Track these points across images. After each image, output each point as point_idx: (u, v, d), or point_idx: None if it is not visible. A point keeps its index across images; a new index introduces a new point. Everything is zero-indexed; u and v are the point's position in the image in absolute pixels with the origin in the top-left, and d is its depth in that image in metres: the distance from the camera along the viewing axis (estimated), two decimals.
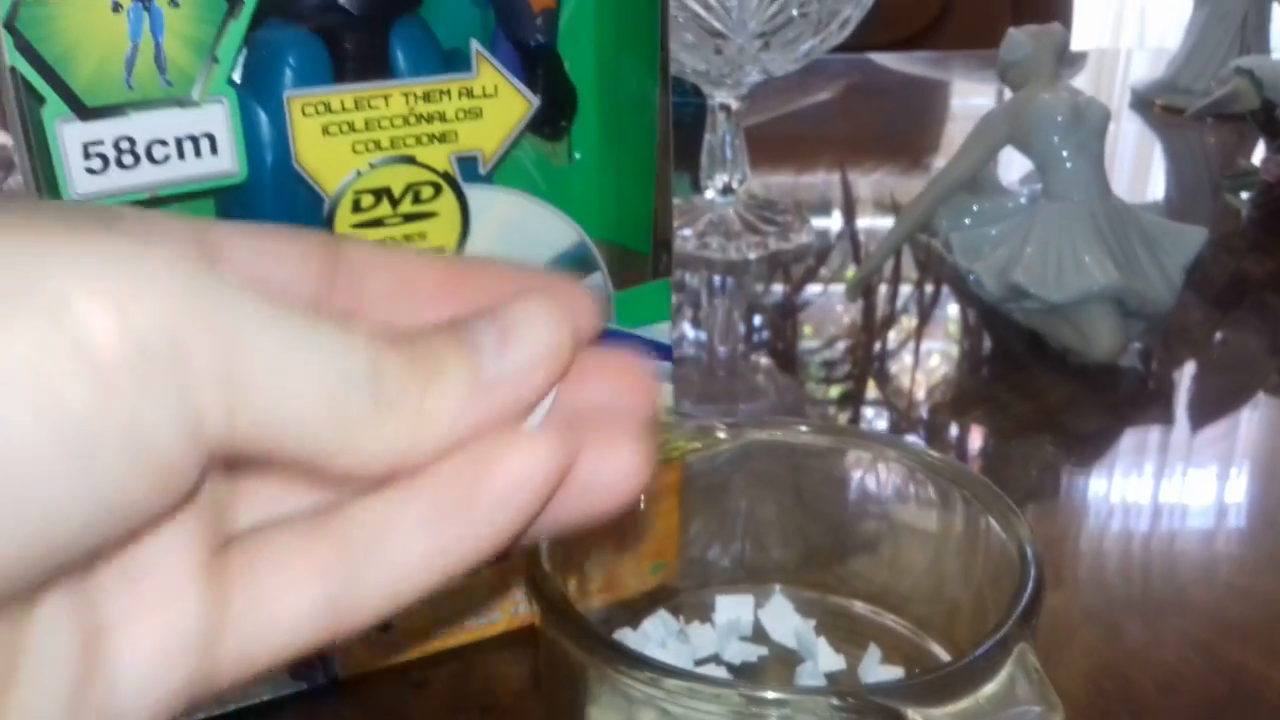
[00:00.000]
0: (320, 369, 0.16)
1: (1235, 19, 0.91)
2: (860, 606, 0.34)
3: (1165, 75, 0.95)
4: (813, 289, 0.64)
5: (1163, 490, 0.45)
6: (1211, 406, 0.51)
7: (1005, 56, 0.52)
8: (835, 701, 0.22)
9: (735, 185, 0.66)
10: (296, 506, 0.19)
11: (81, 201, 0.20)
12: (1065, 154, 0.49)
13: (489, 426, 0.18)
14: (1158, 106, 0.94)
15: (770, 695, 0.23)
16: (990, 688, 0.23)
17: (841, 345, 0.58)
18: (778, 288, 0.65)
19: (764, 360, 0.57)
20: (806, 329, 0.60)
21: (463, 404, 0.17)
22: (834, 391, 0.54)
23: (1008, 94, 0.53)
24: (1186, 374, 0.54)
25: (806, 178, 0.85)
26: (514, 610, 0.35)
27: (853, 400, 0.53)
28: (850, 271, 0.64)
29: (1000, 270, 0.50)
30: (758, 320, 0.62)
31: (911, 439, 0.49)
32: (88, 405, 0.13)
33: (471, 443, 0.18)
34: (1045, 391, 0.51)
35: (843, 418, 0.52)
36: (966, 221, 0.53)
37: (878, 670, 0.31)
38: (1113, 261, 0.48)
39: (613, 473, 0.19)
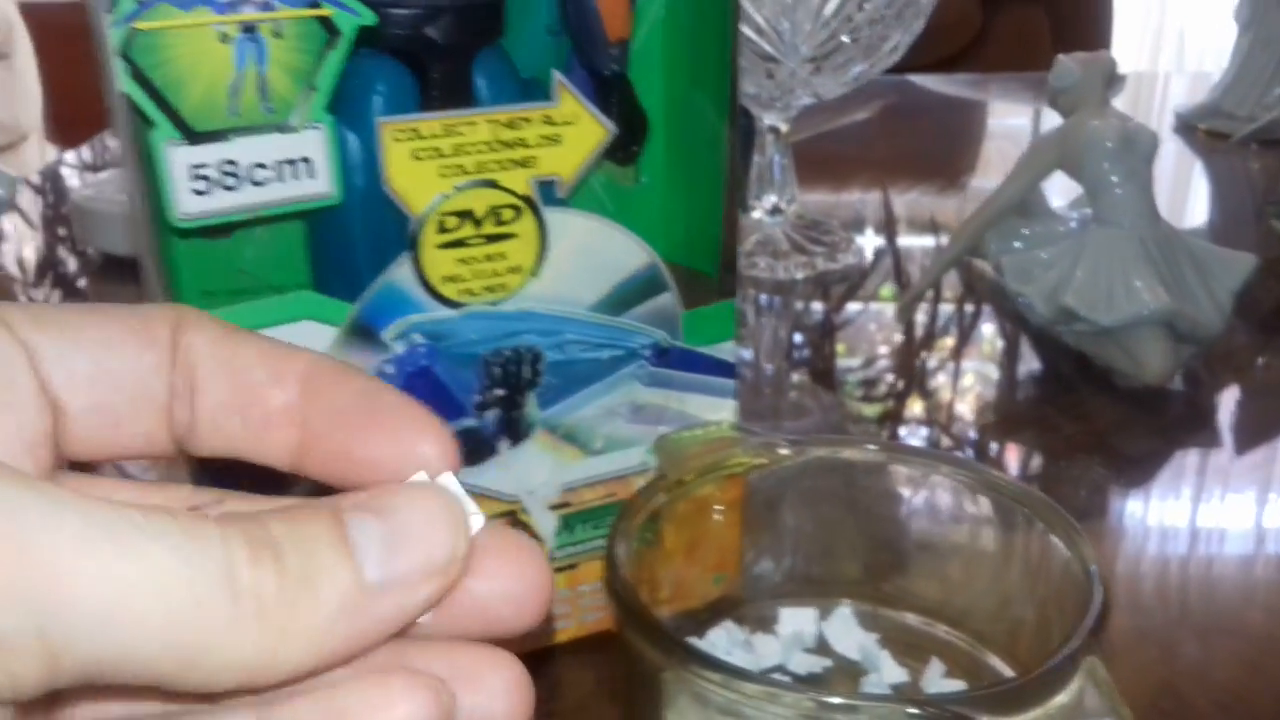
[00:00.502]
0: (162, 586, 0.14)
1: None
2: (921, 621, 0.34)
3: (1209, 100, 0.95)
4: (858, 308, 0.65)
5: (1212, 512, 0.46)
6: (1259, 430, 0.52)
7: (1055, 83, 0.53)
8: (912, 710, 0.23)
9: (783, 206, 0.67)
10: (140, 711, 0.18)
11: None
12: (1115, 180, 0.50)
13: (364, 643, 0.16)
14: (1201, 131, 0.94)
15: (848, 702, 0.24)
16: (1061, 699, 0.23)
17: (888, 364, 0.58)
18: (823, 307, 0.66)
19: (809, 379, 0.58)
20: (850, 348, 0.61)
21: (338, 615, 0.16)
22: (880, 410, 0.55)
23: (1045, 115, 0.54)
24: (1233, 398, 0.54)
25: (844, 196, 0.86)
26: (582, 618, 0.36)
27: (899, 419, 0.54)
28: (885, 289, 0.65)
29: (1051, 293, 0.51)
30: (803, 339, 0.63)
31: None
32: None
33: (335, 689, 0.16)
34: (1094, 413, 0.52)
35: (889, 437, 0.52)
36: (1017, 245, 0.54)
37: (940, 683, 0.32)
38: (1163, 286, 0.48)
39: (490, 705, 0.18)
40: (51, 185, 0.87)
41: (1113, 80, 0.52)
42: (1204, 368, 0.55)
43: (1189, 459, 0.50)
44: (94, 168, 0.94)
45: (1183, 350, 0.51)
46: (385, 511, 0.17)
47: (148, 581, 0.14)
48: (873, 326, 0.63)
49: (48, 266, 0.72)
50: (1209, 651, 0.37)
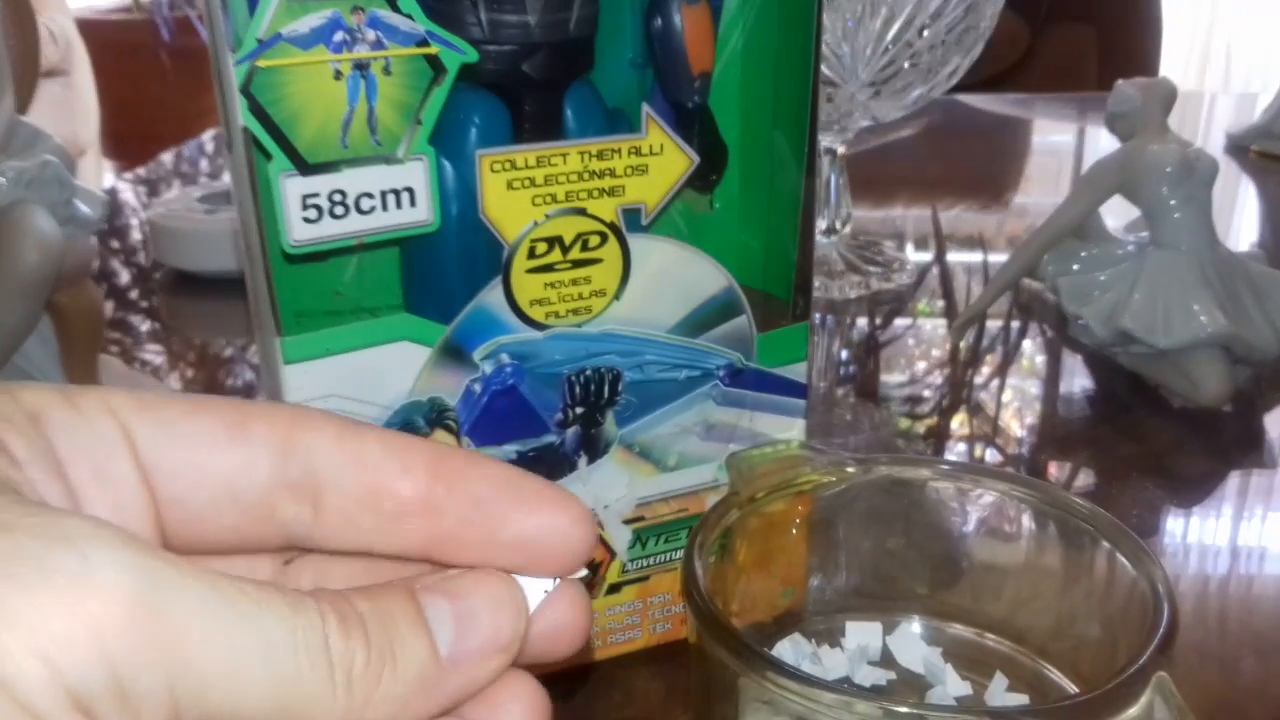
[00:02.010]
0: (271, 654, 0.16)
1: None
2: (984, 636, 0.35)
3: (1260, 121, 0.96)
4: (909, 327, 0.66)
5: (1269, 531, 0.46)
6: None
7: (1114, 108, 0.54)
8: None
9: (839, 226, 0.68)
10: None
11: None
12: (1174, 204, 0.51)
13: (432, 713, 0.18)
14: (1253, 152, 0.94)
15: (925, 713, 0.25)
16: (1132, 712, 0.24)
17: (942, 384, 0.59)
18: (876, 325, 0.67)
19: (861, 397, 0.59)
20: (903, 367, 0.62)
21: (415, 687, 0.17)
22: (934, 429, 0.56)
23: (1089, 134, 0.54)
24: None
25: (890, 211, 0.87)
26: (652, 629, 0.37)
27: (954, 438, 0.55)
28: (922, 305, 0.66)
29: (1108, 315, 0.51)
30: (856, 357, 0.64)
31: None
32: None
33: None
34: (1149, 434, 0.52)
35: (944, 455, 0.53)
36: (1074, 267, 0.55)
37: (1004, 697, 0.33)
38: (1221, 310, 0.49)
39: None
40: (112, 202, 0.90)
41: (1171, 105, 0.53)
42: (1258, 389, 0.56)
43: (1244, 479, 0.50)
44: (152, 185, 0.97)
45: (1239, 373, 0.52)
46: (455, 595, 0.18)
47: (261, 649, 0.16)
48: (926, 345, 0.63)
49: (127, 282, 0.75)
50: (1269, 669, 0.38)
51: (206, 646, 0.15)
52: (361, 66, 0.27)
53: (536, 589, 0.19)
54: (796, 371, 0.36)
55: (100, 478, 0.18)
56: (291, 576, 0.21)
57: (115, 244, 0.80)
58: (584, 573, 0.20)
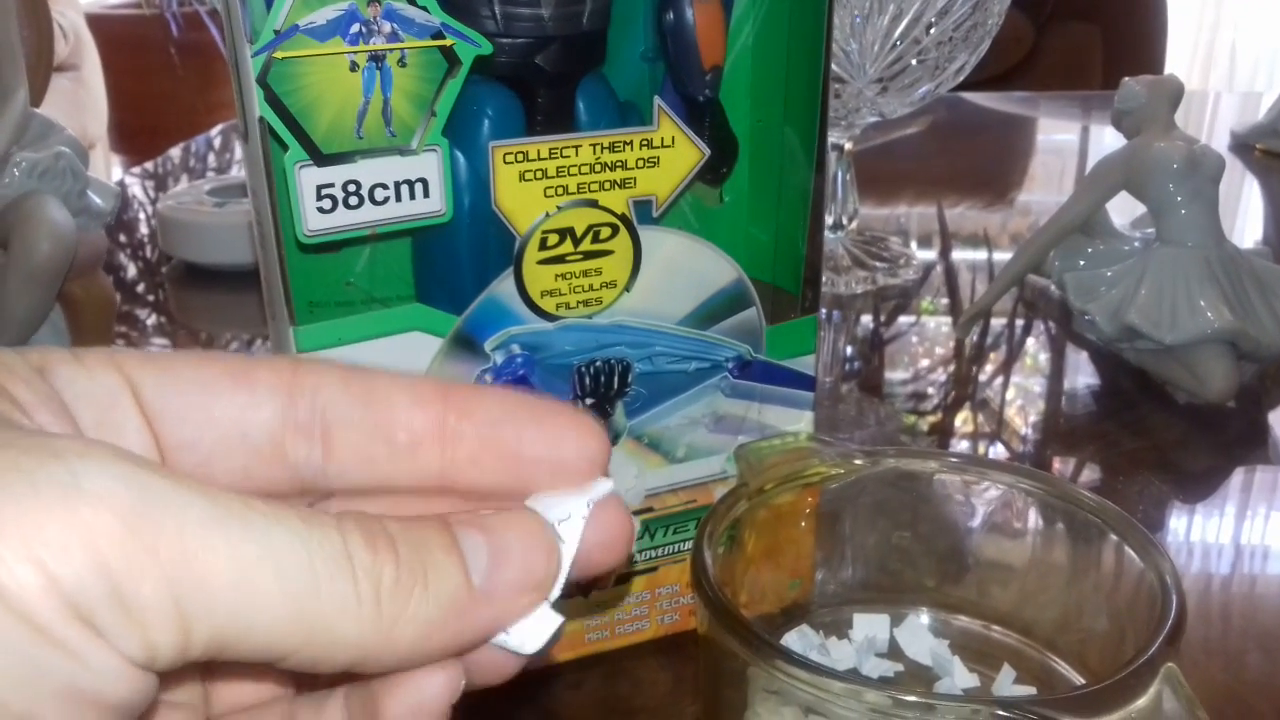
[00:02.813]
0: (282, 564, 0.15)
1: None
2: (991, 628, 0.35)
3: (1265, 119, 0.96)
4: (915, 322, 0.66)
5: (1273, 527, 0.47)
6: None
7: (1120, 105, 0.54)
8: (1001, 711, 0.24)
9: (845, 221, 0.69)
10: (273, 690, 0.20)
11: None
12: (1180, 200, 0.51)
13: (462, 644, 0.18)
14: (1258, 150, 0.95)
15: (935, 702, 0.25)
16: (1141, 702, 0.24)
17: (947, 379, 0.59)
18: (881, 321, 0.67)
19: (867, 391, 0.59)
20: (908, 362, 0.62)
21: (447, 611, 0.17)
22: (940, 424, 0.56)
23: (1093, 132, 0.54)
24: None
25: (895, 209, 0.87)
26: (660, 620, 0.38)
27: (960, 433, 0.55)
28: (938, 303, 0.66)
29: (1114, 311, 0.52)
30: (861, 352, 0.64)
31: None
32: (20, 665, 0.14)
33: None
34: (1155, 429, 0.53)
35: (950, 450, 0.53)
36: (1081, 263, 0.55)
37: (1011, 689, 0.33)
38: (1227, 305, 0.49)
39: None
40: (121, 195, 0.90)
41: (1178, 103, 0.53)
42: (1263, 385, 0.56)
43: (1249, 475, 0.50)
44: (160, 180, 0.97)
45: (1245, 368, 0.52)
46: (489, 529, 0.18)
47: (269, 559, 0.15)
48: (931, 341, 0.64)
49: (136, 275, 0.75)
50: (1274, 663, 0.38)
51: (209, 556, 0.15)
52: (377, 58, 0.27)
53: (577, 515, 0.19)
54: (805, 364, 0.36)
55: (105, 424, 0.18)
56: None
57: (123, 238, 0.81)
58: (609, 485, 0.20)
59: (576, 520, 0.19)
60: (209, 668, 0.20)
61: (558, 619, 0.19)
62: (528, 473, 0.19)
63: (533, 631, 0.19)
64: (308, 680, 0.20)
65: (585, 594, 0.36)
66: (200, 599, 0.15)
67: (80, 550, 0.14)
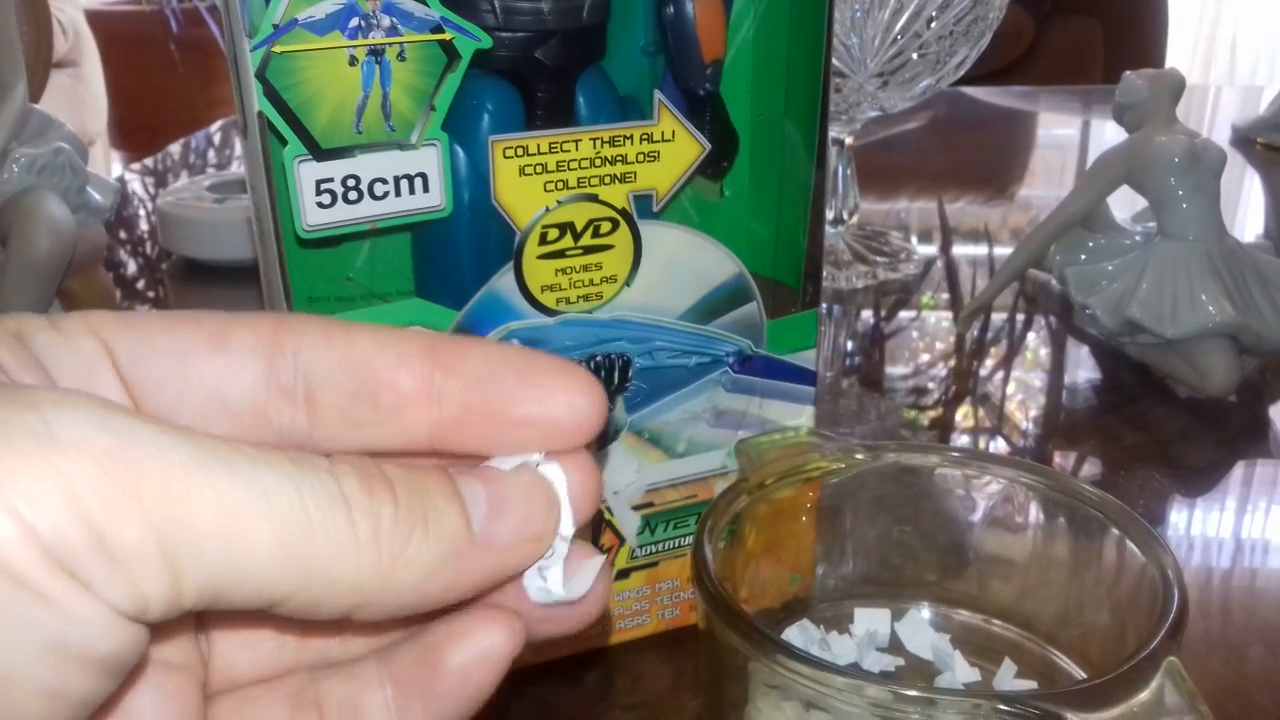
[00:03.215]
0: (272, 505, 0.15)
1: None
2: (991, 623, 0.35)
3: (1266, 113, 0.96)
4: (915, 317, 0.66)
5: (1274, 521, 0.47)
6: None
7: (1121, 99, 0.54)
8: (1004, 706, 0.24)
9: (846, 216, 0.69)
10: (275, 644, 0.19)
11: None
12: (1181, 194, 0.51)
13: (462, 590, 0.17)
14: (1259, 144, 0.94)
15: (938, 696, 0.25)
16: (1143, 696, 0.24)
17: (948, 374, 0.59)
18: (882, 315, 0.67)
19: (867, 387, 0.59)
20: (909, 357, 0.62)
21: (448, 555, 0.17)
22: (942, 419, 0.56)
23: (1094, 126, 0.54)
24: None
25: (896, 204, 0.87)
26: (661, 615, 0.38)
27: (961, 428, 0.55)
28: (939, 298, 0.66)
29: (1116, 305, 0.51)
30: (862, 347, 0.64)
31: None
32: (6, 618, 0.13)
33: (431, 626, 0.18)
34: (1156, 424, 0.53)
35: (950, 444, 0.53)
36: (1082, 257, 0.55)
37: (1013, 683, 0.33)
38: (1228, 299, 0.49)
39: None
40: (121, 191, 0.90)
41: (1179, 96, 0.53)
42: (1265, 379, 0.56)
43: (1250, 469, 0.50)
44: (160, 176, 0.97)
45: (1246, 362, 0.52)
46: (490, 480, 0.18)
47: (258, 501, 0.15)
48: (932, 335, 0.64)
49: (136, 271, 0.75)
50: (1276, 657, 0.38)
51: (192, 500, 0.14)
52: (376, 52, 0.27)
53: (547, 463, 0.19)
54: (806, 358, 0.36)
55: (82, 389, 0.17)
56: None
57: (123, 234, 0.81)
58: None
59: (553, 467, 0.19)
60: (203, 622, 0.19)
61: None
62: (518, 434, 0.18)
63: (577, 578, 0.19)
64: (330, 640, 0.20)
65: None
66: (188, 544, 0.14)
67: (58, 498, 0.13)
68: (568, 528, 0.19)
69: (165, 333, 0.18)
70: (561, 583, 0.19)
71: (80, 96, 1.91)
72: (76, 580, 0.14)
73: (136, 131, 2.15)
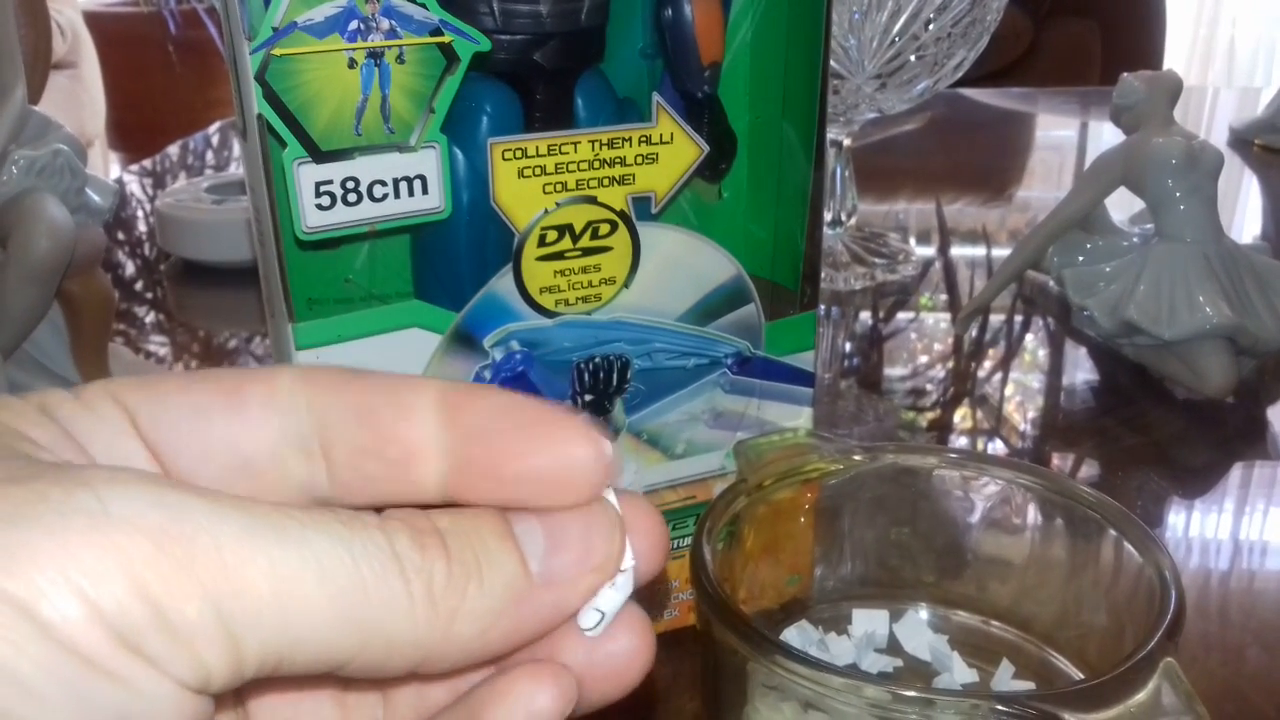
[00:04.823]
0: (325, 570, 0.15)
1: None
2: (989, 623, 0.36)
3: (1264, 115, 0.96)
4: (914, 319, 0.66)
5: (1272, 521, 0.47)
6: None
7: (1119, 101, 0.54)
8: (1001, 706, 0.24)
9: (844, 218, 0.69)
10: (315, 706, 0.19)
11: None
12: (1179, 196, 0.51)
13: (524, 635, 0.17)
14: (1256, 145, 0.95)
15: (935, 697, 0.25)
16: (1140, 697, 0.24)
17: (946, 375, 0.59)
18: (880, 317, 0.67)
19: (865, 388, 0.59)
20: (908, 358, 0.62)
21: (506, 602, 0.16)
22: (940, 420, 0.56)
23: (1092, 128, 0.54)
24: None
25: (894, 205, 0.87)
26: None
27: (960, 429, 0.55)
28: (938, 299, 0.66)
29: (1113, 307, 0.52)
30: (860, 348, 0.64)
31: None
32: (71, 698, 0.13)
33: (479, 689, 0.17)
34: (1154, 425, 0.53)
35: (948, 445, 0.53)
36: (1080, 259, 0.55)
37: (1010, 683, 0.33)
38: (1225, 301, 0.49)
39: (620, 657, 0.18)
40: (120, 193, 0.90)
41: (1177, 98, 0.53)
42: (1261, 380, 0.56)
43: (1248, 470, 0.50)
44: (158, 178, 0.97)
45: (1244, 363, 0.52)
46: (545, 514, 0.17)
47: (311, 567, 0.15)
48: (930, 337, 0.64)
49: (134, 272, 0.75)
50: (1272, 655, 0.38)
51: (247, 570, 0.14)
52: (376, 55, 0.27)
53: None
54: (804, 360, 0.36)
55: (112, 459, 0.17)
56: None
57: (121, 235, 0.81)
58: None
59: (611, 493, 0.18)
60: (240, 694, 0.19)
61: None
62: (519, 489, 0.18)
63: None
64: (405, 690, 0.20)
65: None
66: (245, 614, 0.14)
67: (119, 576, 0.14)
68: (628, 560, 0.18)
69: (181, 394, 0.18)
70: (616, 608, 0.18)
71: (78, 98, 1.91)
72: (142, 657, 0.14)
73: (135, 132, 2.15)
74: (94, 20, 2.13)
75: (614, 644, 0.18)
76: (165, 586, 0.14)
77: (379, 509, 0.18)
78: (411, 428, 0.18)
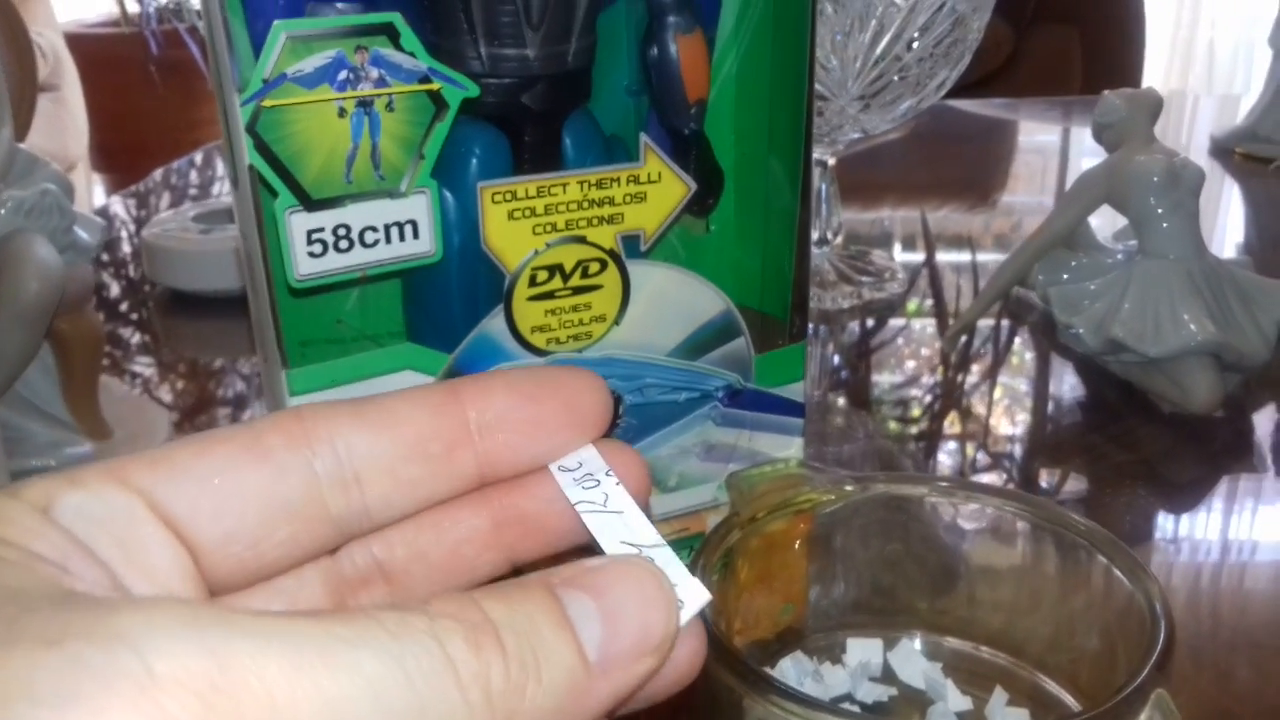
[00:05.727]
0: (378, 693, 0.14)
1: None
2: (983, 650, 0.36)
3: (1245, 124, 0.96)
4: (901, 337, 0.67)
5: (1260, 537, 0.47)
6: None
7: (1100, 119, 0.54)
8: None
9: (830, 236, 0.69)
10: None
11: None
12: (1161, 213, 0.51)
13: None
14: (1237, 154, 0.95)
15: None
16: None
17: (934, 393, 0.60)
18: (868, 335, 0.67)
19: (855, 406, 0.60)
20: (895, 377, 0.63)
21: (565, 698, 0.16)
22: (927, 439, 0.56)
23: (1074, 134, 0.55)
24: (1277, 424, 0.56)
25: (877, 214, 0.87)
26: None
27: (947, 448, 0.55)
28: (912, 305, 0.66)
29: (1099, 324, 0.52)
30: (849, 367, 0.64)
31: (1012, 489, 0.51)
32: None
33: None
34: (1141, 441, 0.53)
35: (937, 465, 0.54)
36: (1064, 276, 0.55)
37: (1004, 712, 0.33)
38: (1210, 317, 0.50)
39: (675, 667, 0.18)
40: (109, 228, 0.90)
41: (1158, 115, 0.53)
42: (1248, 395, 0.56)
43: (1236, 485, 0.51)
44: (142, 199, 0.97)
45: (1229, 379, 0.52)
46: (599, 590, 0.17)
47: (363, 691, 0.14)
48: (918, 357, 0.64)
49: (121, 301, 0.75)
50: (1262, 675, 0.38)
51: (299, 703, 0.14)
52: (365, 104, 0.28)
53: (609, 482, 0.20)
54: (794, 391, 0.36)
55: (126, 545, 0.17)
56: (344, 562, 0.21)
57: (106, 258, 0.80)
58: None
59: (612, 485, 0.20)
60: None
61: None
62: (554, 440, 0.20)
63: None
64: None
65: None
66: None
67: None
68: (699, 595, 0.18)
69: (198, 458, 0.18)
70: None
71: (61, 120, 1.91)
72: None
73: (118, 153, 2.15)
74: (75, 42, 2.12)
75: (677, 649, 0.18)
76: None
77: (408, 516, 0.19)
78: (445, 420, 0.20)
